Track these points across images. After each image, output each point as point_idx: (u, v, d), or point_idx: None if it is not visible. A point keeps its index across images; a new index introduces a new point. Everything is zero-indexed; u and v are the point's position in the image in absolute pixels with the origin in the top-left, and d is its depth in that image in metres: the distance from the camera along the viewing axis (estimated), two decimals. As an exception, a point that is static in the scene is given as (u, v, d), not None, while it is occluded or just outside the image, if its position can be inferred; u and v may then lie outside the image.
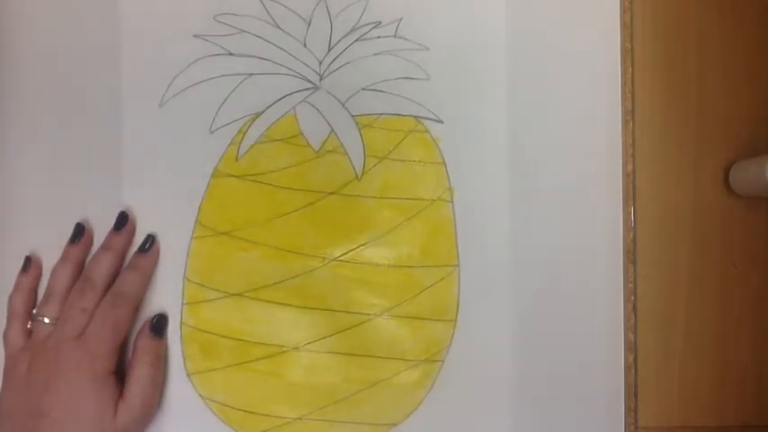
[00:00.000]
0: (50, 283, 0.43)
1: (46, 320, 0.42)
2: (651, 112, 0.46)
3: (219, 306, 0.44)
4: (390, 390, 0.44)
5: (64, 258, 0.44)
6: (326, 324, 0.44)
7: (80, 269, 0.44)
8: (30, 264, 0.44)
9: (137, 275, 0.43)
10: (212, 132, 0.45)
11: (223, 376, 0.44)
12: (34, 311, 0.43)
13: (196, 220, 0.44)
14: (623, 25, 0.45)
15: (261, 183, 0.44)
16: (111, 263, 0.43)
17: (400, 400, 0.44)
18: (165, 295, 0.44)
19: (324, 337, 0.44)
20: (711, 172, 0.46)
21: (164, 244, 0.44)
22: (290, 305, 0.44)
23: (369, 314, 0.44)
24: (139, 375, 0.41)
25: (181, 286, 0.44)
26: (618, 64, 0.45)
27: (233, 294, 0.44)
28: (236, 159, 0.44)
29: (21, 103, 0.46)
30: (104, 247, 0.44)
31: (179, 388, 0.44)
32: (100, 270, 0.43)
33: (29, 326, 0.43)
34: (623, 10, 0.45)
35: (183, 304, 0.44)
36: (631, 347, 0.44)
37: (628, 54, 0.45)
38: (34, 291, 0.44)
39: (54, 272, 0.43)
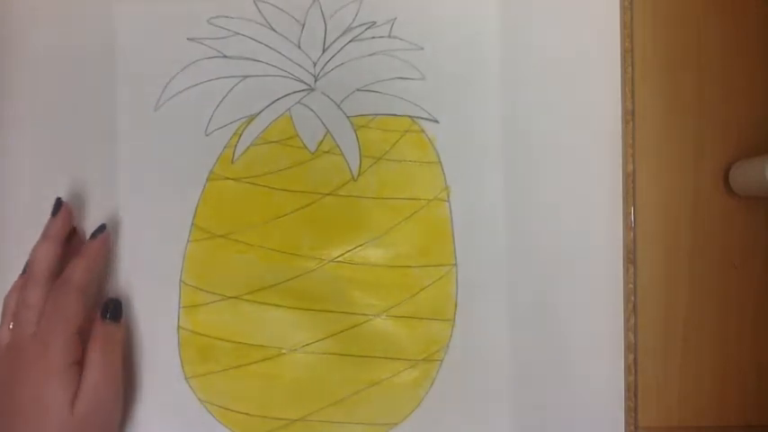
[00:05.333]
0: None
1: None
2: (651, 112, 0.45)
3: (217, 309, 0.44)
4: (390, 390, 0.44)
5: (44, 237, 0.43)
6: (325, 325, 0.44)
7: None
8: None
9: (83, 262, 0.42)
10: (207, 135, 0.45)
11: (222, 379, 0.44)
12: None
13: (192, 224, 0.44)
14: (623, 25, 0.44)
15: (257, 185, 0.44)
16: (49, 252, 0.42)
17: (400, 400, 0.44)
18: (161, 299, 0.44)
19: (322, 339, 0.44)
20: (711, 172, 0.45)
21: (160, 247, 0.44)
22: (288, 307, 0.44)
23: (367, 314, 0.44)
24: (91, 362, 0.40)
25: (177, 290, 0.44)
26: (618, 64, 0.44)
27: (230, 297, 0.44)
28: (232, 162, 0.44)
29: (16, 106, 0.45)
30: (42, 236, 0.43)
31: (178, 392, 0.44)
32: (40, 263, 0.42)
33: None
34: (623, 10, 0.44)
35: (179, 308, 0.44)
36: (631, 347, 0.44)
37: (628, 54, 0.44)
38: None
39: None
